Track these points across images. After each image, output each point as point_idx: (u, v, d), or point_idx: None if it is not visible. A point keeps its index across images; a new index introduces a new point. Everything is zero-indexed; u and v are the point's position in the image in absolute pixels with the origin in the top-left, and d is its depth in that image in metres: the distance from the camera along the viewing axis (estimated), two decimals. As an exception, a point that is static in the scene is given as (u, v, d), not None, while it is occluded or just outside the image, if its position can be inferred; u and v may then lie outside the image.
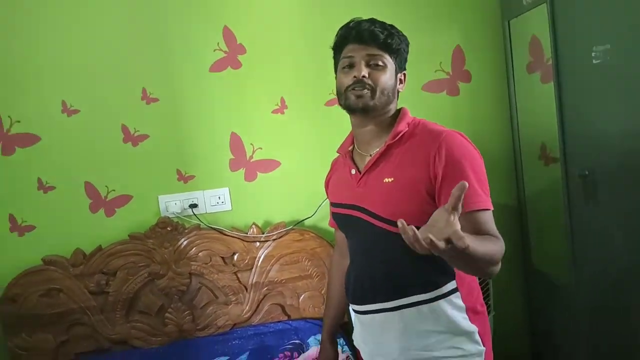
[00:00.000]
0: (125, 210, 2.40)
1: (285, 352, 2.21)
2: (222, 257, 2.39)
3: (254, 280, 2.40)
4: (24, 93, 2.30)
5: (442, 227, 0.99)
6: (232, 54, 2.40)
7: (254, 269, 2.40)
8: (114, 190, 2.39)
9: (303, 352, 2.21)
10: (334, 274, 1.69)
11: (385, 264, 1.36)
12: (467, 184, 1.00)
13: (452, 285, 1.34)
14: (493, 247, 1.19)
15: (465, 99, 2.55)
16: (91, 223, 2.38)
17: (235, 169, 2.45)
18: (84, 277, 2.30)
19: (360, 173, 1.40)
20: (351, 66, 1.36)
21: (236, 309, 2.40)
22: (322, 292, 2.39)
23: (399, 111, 1.42)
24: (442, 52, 2.52)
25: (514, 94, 2.48)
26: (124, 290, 2.32)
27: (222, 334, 2.38)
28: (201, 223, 2.41)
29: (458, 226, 0.99)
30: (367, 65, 1.34)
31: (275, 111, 2.45)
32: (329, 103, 2.46)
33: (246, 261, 2.39)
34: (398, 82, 1.40)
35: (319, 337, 2.20)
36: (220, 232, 2.39)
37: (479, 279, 1.52)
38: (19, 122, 2.30)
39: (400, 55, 1.39)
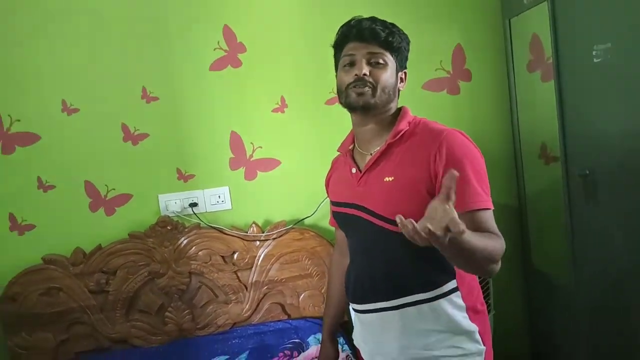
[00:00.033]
0: (125, 209, 2.40)
1: (285, 351, 2.21)
2: (222, 256, 2.39)
3: (254, 279, 2.39)
4: (24, 92, 2.30)
5: (440, 217, 0.99)
6: (232, 53, 2.40)
7: (254, 268, 2.39)
8: (113, 189, 2.39)
9: (303, 351, 2.21)
10: (334, 273, 1.69)
11: (385, 263, 1.36)
12: (456, 174, 0.99)
13: (452, 284, 1.33)
14: (492, 243, 1.19)
15: (466, 98, 2.55)
16: (91, 222, 2.38)
17: (235, 167, 2.45)
18: (84, 276, 2.30)
19: (360, 172, 1.40)
20: (352, 64, 1.35)
21: (236, 308, 2.40)
22: (322, 291, 2.39)
23: (399, 110, 1.42)
24: (443, 50, 2.52)
25: (515, 93, 2.48)
26: (124, 289, 2.32)
27: (222, 333, 2.38)
28: (201, 222, 2.41)
29: (455, 214, 0.98)
30: (368, 63, 1.34)
31: (275, 110, 2.45)
32: (329, 102, 2.45)
33: (246, 260, 2.39)
34: (399, 81, 1.40)
35: (318, 336, 2.20)
36: (220, 231, 2.39)
37: (479, 278, 1.52)
38: (19, 121, 2.30)
39: (401, 53, 1.39)
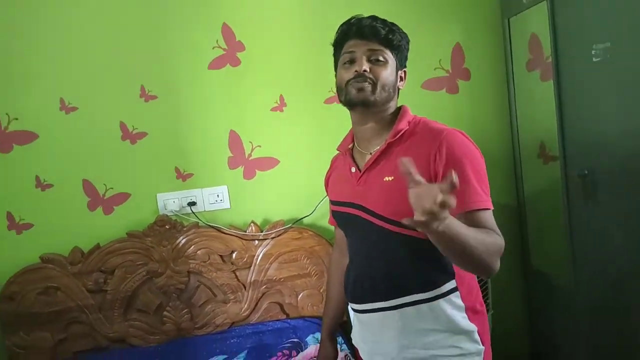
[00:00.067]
0: (124, 208, 2.39)
1: (284, 351, 2.21)
2: (221, 256, 2.38)
3: (252, 279, 2.39)
4: (22, 90, 2.29)
5: (433, 194, 0.96)
6: (231, 52, 2.39)
7: (252, 267, 2.39)
8: (112, 188, 2.38)
9: (302, 351, 2.20)
10: (334, 272, 1.69)
11: (385, 263, 1.36)
12: (456, 180, 0.96)
13: (451, 284, 1.33)
14: (490, 239, 1.18)
15: (465, 97, 2.54)
16: (89, 221, 2.37)
17: (234, 167, 2.45)
18: (82, 276, 2.29)
19: (360, 171, 1.40)
20: (352, 61, 1.35)
21: (235, 307, 2.39)
22: (321, 290, 2.39)
23: (399, 109, 1.42)
24: (442, 49, 2.51)
25: (514, 92, 2.48)
26: (122, 289, 2.31)
27: (220, 333, 2.37)
28: (200, 221, 2.41)
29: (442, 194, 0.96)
30: (368, 60, 1.34)
31: (274, 109, 2.44)
32: (328, 101, 2.45)
33: (245, 259, 2.38)
34: (398, 79, 1.40)
35: (317, 335, 2.20)
36: (219, 230, 2.39)
37: (479, 278, 1.51)
38: (16, 119, 2.30)
39: (401, 52, 1.38)
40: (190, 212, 2.41)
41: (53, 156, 2.32)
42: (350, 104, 1.35)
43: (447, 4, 2.48)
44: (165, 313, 2.35)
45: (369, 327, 1.44)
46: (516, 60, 2.42)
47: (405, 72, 1.43)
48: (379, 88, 1.33)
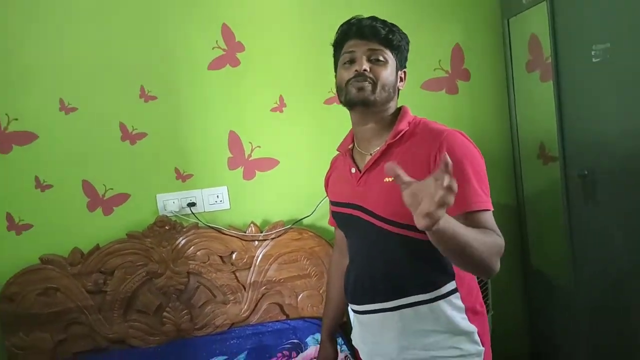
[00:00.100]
0: (123, 209, 2.39)
1: (284, 352, 2.20)
2: (221, 256, 2.38)
3: (252, 280, 2.39)
4: (22, 91, 2.29)
5: (429, 192, 0.95)
6: (230, 52, 2.39)
7: (252, 268, 2.39)
8: (111, 189, 2.38)
9: (301, 352, 2.20)
10: (334, 273, 1.68)
11: (384, 263, 1.36)
12: (449, 160, 0.95)
13: (451, 285, 1.33)
14: (488, 238, 1.17)
15: (464, 98, 2.54)
16: (89, 222, 2.37)
17: (234, 167, 2.45)
18: (82, 276, 2.29)
19: (360, 172, 1.39)
20: (352, 61, 1.35)
21: (234, 308, 2.39)
22: (321, 291, 2.39)
23: (399, 109, 1.42)
24: (442, 50, 2.51)
25: (513, 93, 2.48)
26: (122, 290, 2.31)
27: (220, 334, 2.37)
28: (199, 222, 2.41)
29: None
30: (369, 60, 1.33)
31: (274, 109, 2.44)
32: (328, 101, 2.45)
33: (244, 260, 2.38)
34: (398, 80, 1.39)
35: (317, 336, 2.20)
36: (219, 231, 2.39)
37: (479, 279, 1.51)
38: (16, 119, 2.29)
39: (401, 52, 1.38)
40: (190, 212, 2.41)
41: (53, 157, 2.32)
42: (350, 103, 1.35)
43: (447, 5, 2.49)
44: (165, 314, 2.35)
45: (369, 328, 1.44)
46: (516, 61, 2.42)
47: (405, 72, 1.43)
48: (379, 88, 1.32)
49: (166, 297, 2.35)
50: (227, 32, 2.38)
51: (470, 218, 1.20)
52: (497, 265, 1.18)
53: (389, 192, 1.30)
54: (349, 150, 1.47)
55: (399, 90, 1.41)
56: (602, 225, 1.94)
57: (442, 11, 2.49)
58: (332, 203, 1.53)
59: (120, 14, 2.32)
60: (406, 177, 1.01)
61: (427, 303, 1.32)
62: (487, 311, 2.18)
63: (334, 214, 1.53)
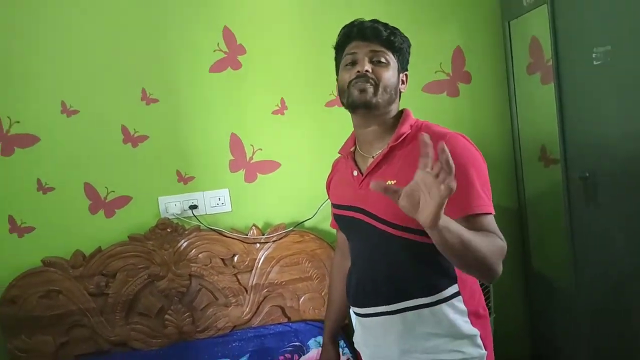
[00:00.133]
0: (125, 211, 2.39)
1: (286, 355, 2.21)
2: (222, 259, 2.38)
3: (254, 282, 2.39)
4: (24, 93, 2.29)
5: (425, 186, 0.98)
6: (232, 55, 2.40)
7: (254, 271, 2.39)
8: (113, 192, 2.38)
9: (303, 355, 2.20)
10: (336, 275, 1.68)
11: (387, 266, 1.36)
12: (447, 149, 0.96)
13: (454, 289, 1.33)
14: (490, 240, 1.17)
15: (466, 100, 2.55)
16: (91, 224, 2.37)
17: (235, 170, 2.45)
18: (84, 279, 2.30)
19: (362, 175, 1.39)
20: (354, 63, 1.35)
21: (236, 310, 2.39)
22: (323, 293, 2.39)
23: (401, 112, 1.42)
24: (442, 53, 2.51)
25: (514, 95, 2.48)
26: (124, 292, 2.31)
27: (222, 336, 2.38)
28: (201, 224, 2.41)
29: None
30: (370, 61, 1.33)
31: (275, 112, 2.45)
32: (329, 104, 2.45)
33: (246, 263, 2.38)
34: (400, 82, 1.39)
35: (319, 339, 2.20)
36: (220, 233, 2.39)
37: (481, 282, 1.51)
38: (18, 122, 2.30)
39: (402, 54, 1.39)
40: (192, 215, 2.41)
41: (54, 159, 2.33)
42: (352, 106, 1.35)
43: (448, 8, 2.49)
44: (166, 316, 2.35)
45: (370, 331, 1.44)
46: (517, 64, 2.43)
47: (406, 75, 1.43)
48: (380, 89, 1.32)
49: (168, 299, 2.35)
50: (228, 35, 2.38)
51: (472, 221, 1.20)
52: (500, 268, 1.18)
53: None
54: (350, 153, 1.47)
55: (400, 92, 1.41)
56: (603, 227, 1.94)
57: (443, 14, 2.49)
58: (334, 206, 1.53)
59: (121, 16, 2.32)
60: (394, 187, 1.02)
61: (429, 306, 1.32)
62: (489, 314, 2.18)
63: (335, 217, 1.53)
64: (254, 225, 2.41)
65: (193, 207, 2.41)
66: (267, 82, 2.42)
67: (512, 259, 2.49)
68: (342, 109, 1.41)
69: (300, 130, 2.46)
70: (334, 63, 1.45)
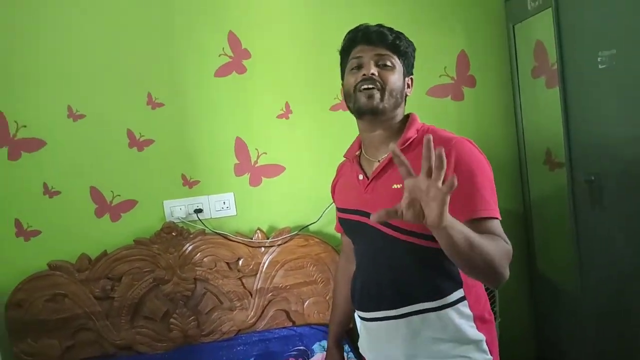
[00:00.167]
0: (131, 215, 2.40)
1: (290, 359, 2.20)
2: (227, 263, 2.39)
3: (258, 286, 2.39)
4: (30, 98, 2.31)
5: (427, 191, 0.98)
6: (237, 59, 2.40)
7: (258, 275, 2.39)
8: (119, 195, 2.39)
9: (308, 359, 2.20)
10: (340, 279, 1.68)
11: (392, 271, 1.35)
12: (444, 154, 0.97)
13: (459, 293, 1.32)
14: (496, 243, 1.16)
15: (470, 104, 2.55)
16: (96, 228, 2.38)
17: (240, 174, 2.46)
18: (90, 283, 2.30)
19: (368, 178, 1.39)
20: (359, 67, 1.35)
21: (241, 314, 2.39)
22: (327, 297, 2.39)
23: (407, 117, 1.42)
24: (447, 56, 2.52)
25: (519, 99, 2.48)
26: (129, 296, 2.32)
27: (226, 340, 2.38)
28: (206, 228, 2.41)
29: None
30: (376, 65, 1.34)
31: (280, 116, 2.45)
32: (333, 108, 2.46)
33: (251, 266, 2.39)
34: (406, 86, 1.40)
35: (323, 343, 2.20)
36: (225, 237, 2.39)
37: (486, 287, 1.50)
38: (25, 127, 2.31)
39: (407, 58, 1.39)
40: (197, 219, 2.42)
41: (61, 163, 2.34)
42: (359, 112, 1.35)
43: (452, 12, 2.49)
44: (171, 320, 2.36)
45: (375, 335, 1.44)
46: (521, 67, 2.43)
47: (412, 79, 1.43)
48: (387, 94, 1.32)
49: (173, 303, 2.36)
50: (233, 40, 2.39)
51: (477, 225, 1.19)
52: (507, 272, 1.17)
53: (397, 198, 1.29)
54: (356, 156, 1.47)
55: (406, 96, 1.41)
56: (608, 230, 1.94)
57: (447, 18, 2.49)
58: (339, 210, 1.53)
59: (127, 22, 2.33)
60: (392, 209, 1.02)
61: (434, 311, 1.31)
62: (495, 319, 2.18)
63: (340, 221, 1.53)
64: (258, 229, 2.41)
65: (198, 210, 2.42)
66: (272, 86, 2.43)
67: (518, 262, 2.47)
68: (347, 112, 1.42)
69: (305, 134, 2.46)
70: (338, 67, 1.46)
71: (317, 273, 2.41)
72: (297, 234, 2.42)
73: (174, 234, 2.35)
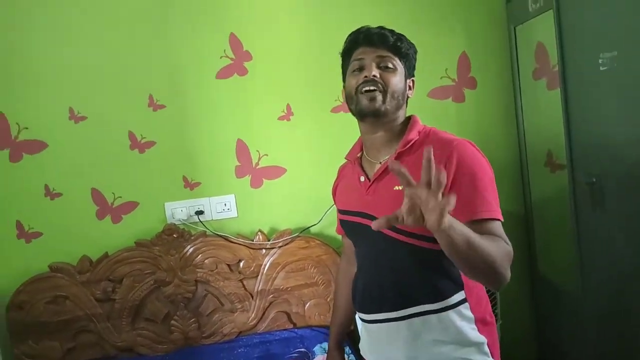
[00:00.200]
0: (132, 217, 2.41)
1: (291, 360, 2.21)
2: (228, 265, 2.39)
3: (259, 288, 2.39)
4: (32, 100, 2.31)
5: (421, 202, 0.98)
6: (238, 61, 2.41)
7: (259, 277, 2.39)
8: (120, 197, 2.39)
9: (309, 360, 2.20)
10: (341, 281, 1.68)
11: (393, 272, 1.35)
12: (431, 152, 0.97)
13: (460, 295, 1.32)
14: (497, 243, 1.16)
15: (471, 106, 2.55)
16: (98, 230, 2.38)
17: (241, 175, 2.46)
18: (91, 284, 2.30)
19: (369, 180, 1.39)
20: (361, 69, 1.35)
21: (242, 316, 2.39)
22: (328, 299, 2.39)
23: (409, 119, 1.42)
24: (448, 58, 2.52)
25: (520, 101, 2.48)
26: (130, 298, 2.32)
27: (227, 342, 2.37)
28: (207, 230, 2.41)
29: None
30: (378, 67, 1.34)
31: (281, 118, 2.45)
32: (335, 109, 2.46)
33: (252, 268, 2.39)
34: (407, 88, 1.40)
35: (324, 345, 2.20)
36: (226, 239, 2.39)
37: (487, 289, 1.50)
38: (26, 128, 2.32)
39: (409, 60, 1.39)
40: (198, 220, 2.42)
41: (62, 165, 2.34)
42: (361, 114, 1.35)
43: (453, 13, 2.49)
44: (172, 322, 2.36)
45: (376, 337, 1.44)
46: (522, 69, 2.43)
47: (413, 81, 1.43)
48: (389, 95, 1.32)
49: (174, 305, 2.36)
50: (234, 42, 2.39)
51: (478, 226, 1.18)
52: (508, 273, 1.17)
53: (399, 200, 1.28)
54: (357, 158, 1.47)
55: (408, 98, 1.41)
56: (609, 232, 1.94)
57: (448, 19, 2.49)
58: (340, 211, 1.53)
59: (129, 23, 2.34)
60: (393, 215, 1.02)
61: (435, 313, 1.31)
62: (496, 321, 2.18)
63: (342, 223, 1.53)
64: (259, 230, 2.42)
65: (199, 212, 2.42)
66: (273, 88, 2.43)
67: (519, 263, 2.47)
68: (348, 114, 1.42)
69: (306, 135, 2.47)
70: (339, 69, 1.46)
71: (318, 275, 2.41)
72: (298, 236, 2.42)
73: (175, 235, 2.35)
